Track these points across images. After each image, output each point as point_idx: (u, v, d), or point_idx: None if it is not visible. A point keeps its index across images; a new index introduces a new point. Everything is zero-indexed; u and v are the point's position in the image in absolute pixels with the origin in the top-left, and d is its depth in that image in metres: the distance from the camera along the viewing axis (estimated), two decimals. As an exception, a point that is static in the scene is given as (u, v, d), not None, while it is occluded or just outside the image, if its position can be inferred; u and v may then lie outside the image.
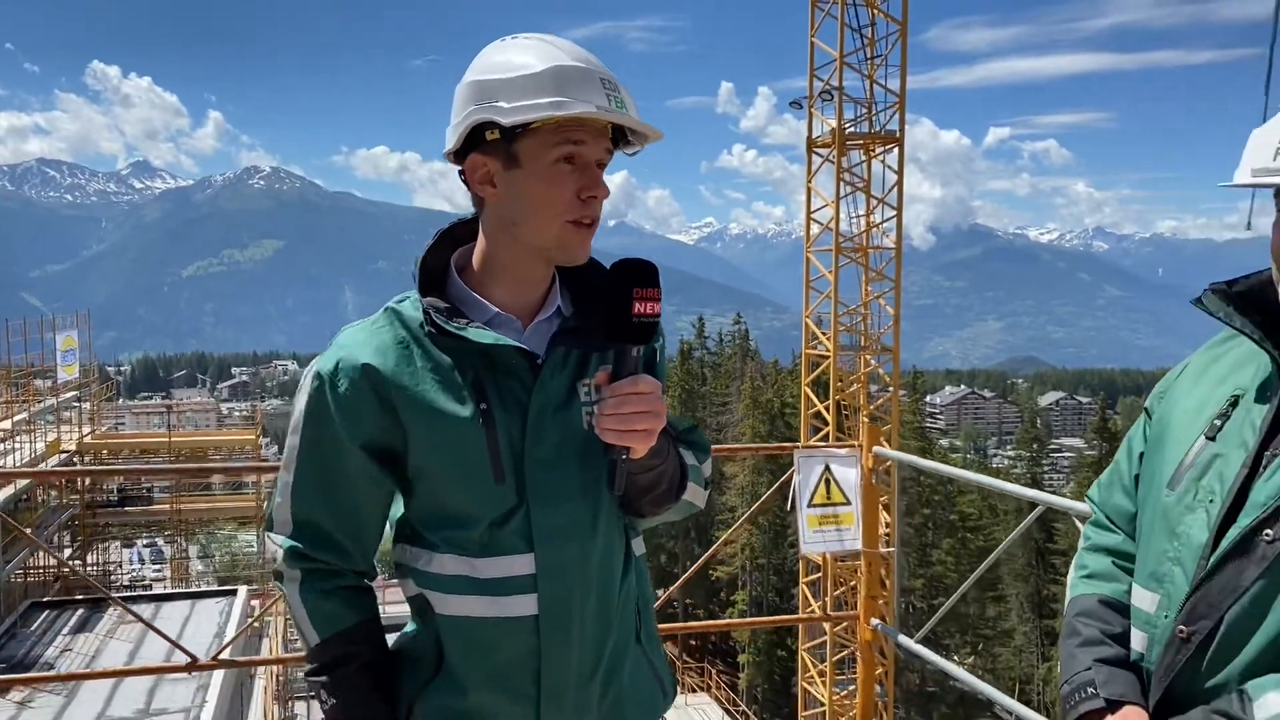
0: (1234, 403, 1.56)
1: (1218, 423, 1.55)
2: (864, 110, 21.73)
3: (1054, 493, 6.48)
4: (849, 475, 4.11)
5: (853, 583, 20.92)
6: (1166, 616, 1.52)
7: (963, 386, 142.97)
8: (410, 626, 1.67)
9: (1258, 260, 1.61)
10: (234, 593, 17.89)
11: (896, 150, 21.63)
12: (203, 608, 16.79)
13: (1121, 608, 1.64)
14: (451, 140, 1.54)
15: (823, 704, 19.87)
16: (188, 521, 25.91)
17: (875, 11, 20.87)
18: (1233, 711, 1.39)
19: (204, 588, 25.35)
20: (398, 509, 1.66)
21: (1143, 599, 1.58)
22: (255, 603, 20.78)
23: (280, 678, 19.74)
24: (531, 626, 1.53)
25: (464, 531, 1.52)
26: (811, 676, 20.32)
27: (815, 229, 21.61)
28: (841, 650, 20.11)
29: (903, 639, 4.19)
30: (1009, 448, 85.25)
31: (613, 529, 1.61)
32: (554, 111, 1.44)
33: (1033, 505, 3.49)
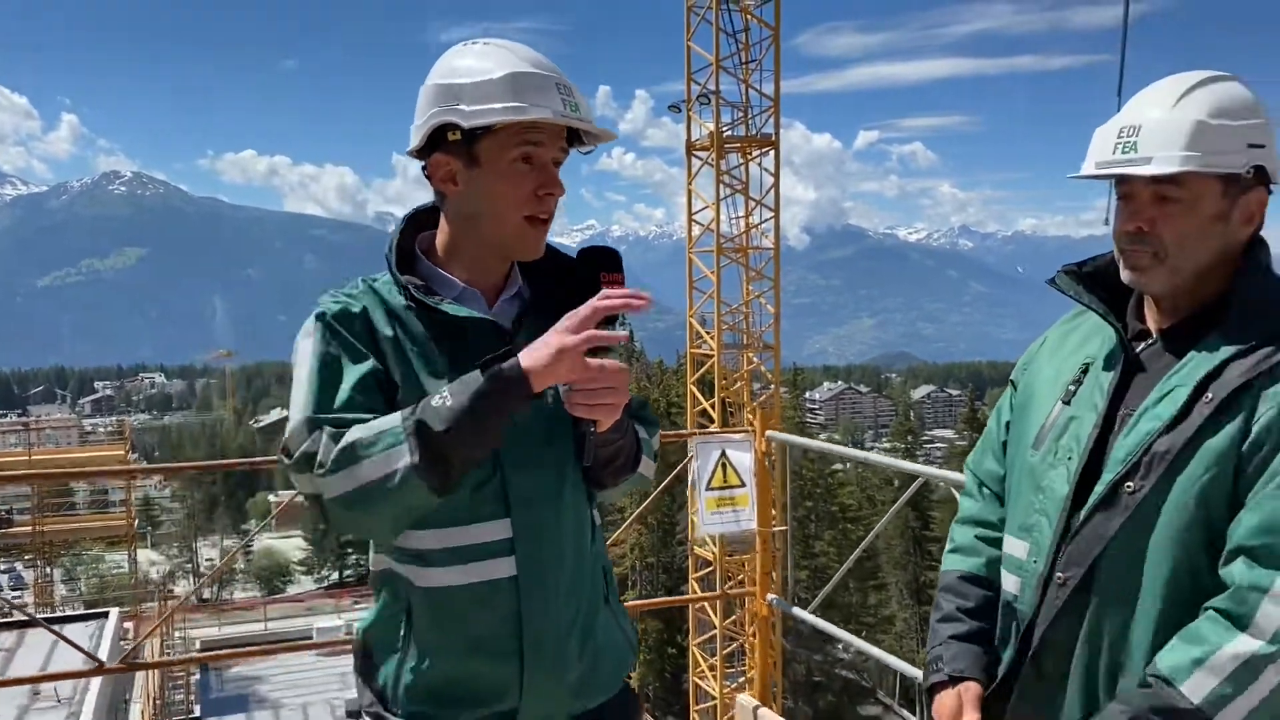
0: (1085, 370, 1.75)
1: (1072, 388, 1.74)
2: (740, 114, 22.18)
3: (911, 489, 6.83)
4: (744, 459, 4.34)
5: (740, 576, 21.33)
6: (1036, 562, 1.70)
7: (840, 382, 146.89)
8: (374, 609, 1.72)
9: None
10: (105, 615, 17.12)
11: (773, 153, 22.15)
12: (71, 632, 16.02)
13: (979, 580, 1.83)
14: (415, 139, 1.64)
15: (714, 697, 20.21)
16: (51, 543, 24.65)
17: (749, 17, 21.33)
18: (1162, 696, 1.48)
19: (70, 612, 24.15)
20: None
21: (1015, 547, 1.76)
22: (129, 625, 19.95)
23: (157, 701, 18.99)
24: (511, 588, 1.62)
25: (445, 500, 1.55)
26: (703, 671, 20.62)
27: (696, 230, 21.97)
28: (731, 643, 20.48)
29: (797, 610, 4.49)
30: (885, 440, 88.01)
31: (579, 496, 1.72)
32: (513, 115, 1.55)
33: (920, 486, 3.70)
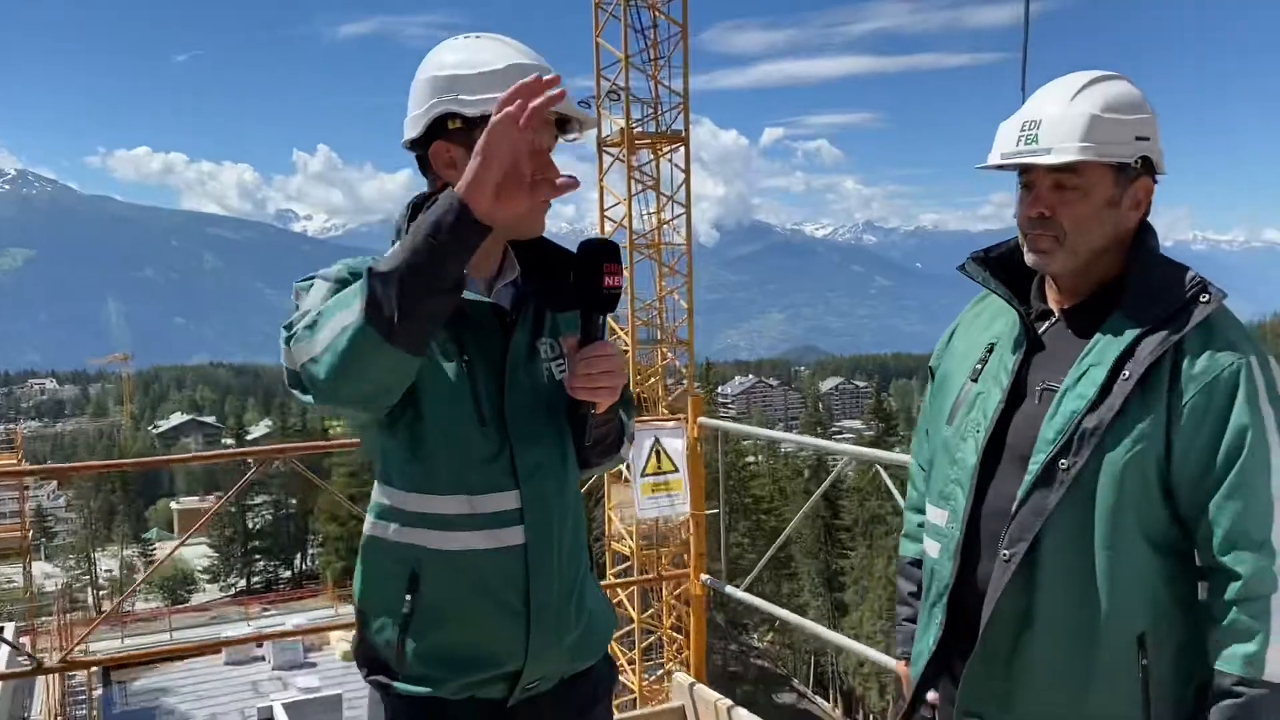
0: (990, 349, 1.89)
1: (978, 367, 1.89)
2: (650, 110, 22.31)
3: (835, 471, 7.15)
4: (676, 445, 4.50)
5: (659, 567, 21.47)
6: (953, 527, 1.84)
7: (751, 376, 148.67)
8: (365, 577, 1.80)
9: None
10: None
11: (683, 149, 22.35)
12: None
13: (920, 564, 2.00)
14: (414, 130, 1.72)
15: (633, 691, 20.34)
16: (-62, 558, 23.53)
17: (656, 13, 21.48)
18: (1260, 692, 1.61)
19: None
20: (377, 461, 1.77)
21: (936, 515, 1.91)
22: (25, 639, 19.18)
23: (59, 716, 18.30)
24: (520, 554, 1.73)
25: (461, 471, 1.69)
26: (620, 665, 20.74)
27: (609, 227, 22.06)
28: (649, 636, 20.63)
29: (730, 589, 4.67)
30: (795, 432, 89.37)
31: (574, 472, 1.85)
32: None
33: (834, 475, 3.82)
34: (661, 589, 20.70)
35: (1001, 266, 1.92)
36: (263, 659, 23.04)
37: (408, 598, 1.73)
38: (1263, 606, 1.62)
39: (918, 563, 2.02)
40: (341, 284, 1.62)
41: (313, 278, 1.70)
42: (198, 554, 55.69)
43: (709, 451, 4.73)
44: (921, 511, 2.02)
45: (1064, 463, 1.71)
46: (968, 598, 1.82)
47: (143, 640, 29.14)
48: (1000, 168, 1.82)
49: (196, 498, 66.97)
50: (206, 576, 55.72)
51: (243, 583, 55.24)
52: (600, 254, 1.74)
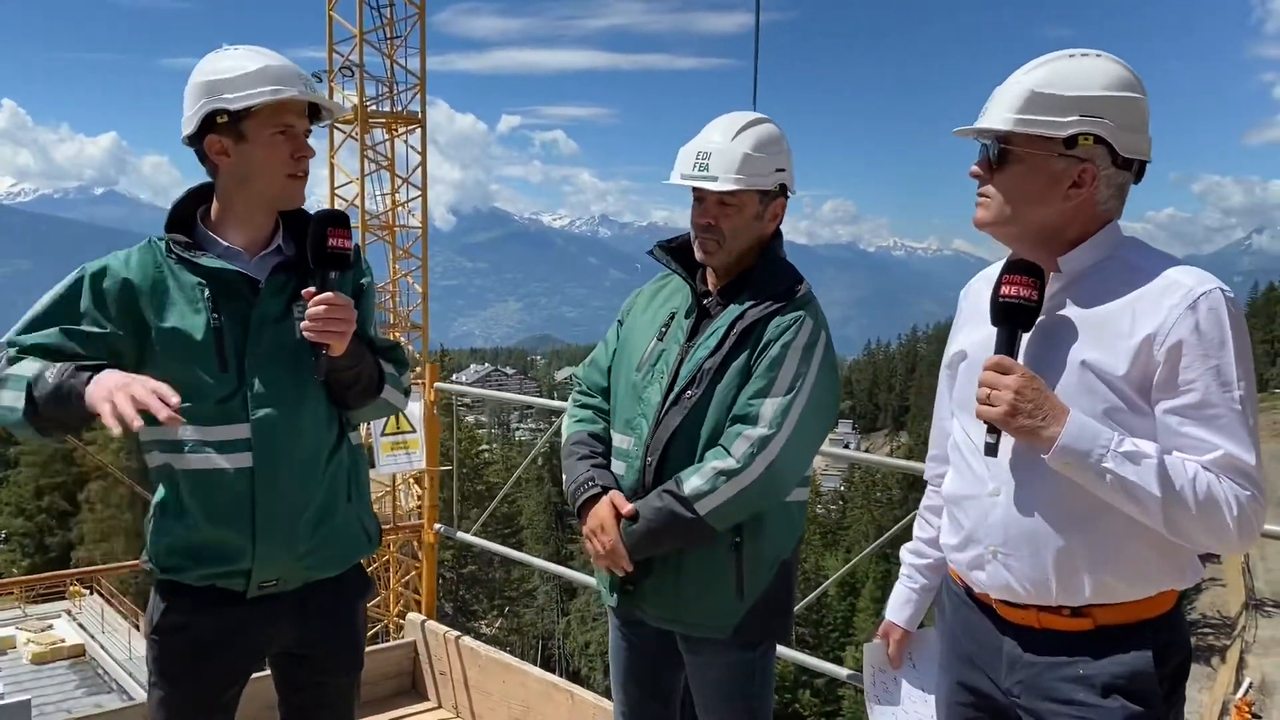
0: (672, 317, 2.48)
1: (663, 329, 2.48)
2: (385, 89, 21.89)
3: (555, 426, 7.56)
4: (414, 408, 4.83)
5: (384, 557, 21.23)
6: (637, 448, 2.40)
7: (487, 365, 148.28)
8: (156, 496, 2.16)
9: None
10: None
11: (419, 131, 22.09)
12: None
13: (600, 437, 2.52)
14: (189, 127, 2.09)
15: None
16: None
17: (394, -9, 21.06)
18: (671, 489, 2.29)
19: None
20: None
21: (622, 441, 2.45)
22: None
23: None
24: (249, 475, 2.09)
25: (197, 406, 2.03)
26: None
27: (340, 205, 21.43)
28: (374, 626, 20.34)
29: (460, 534, 4.96)
30: (529, 421, 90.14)
31: (319, 414, 2.17)
32: (269, 97, 2.03)
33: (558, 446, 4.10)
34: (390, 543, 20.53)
35: (679, 254, 2.51)
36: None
37: (168, 509, 2.13)
38: (718, 454, 2.28)
39: (596, 436, 2.51)
40: (81, 288, 2.05)
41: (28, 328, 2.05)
42: None
43: (443, 446, 5.00)
44: (592, 409, 2.56)
45: (689, 393, 2.34)
46: None
47: None
48: (681, 185, 2.39)
49: None
50: None
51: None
52: (326, 219, 2.12)
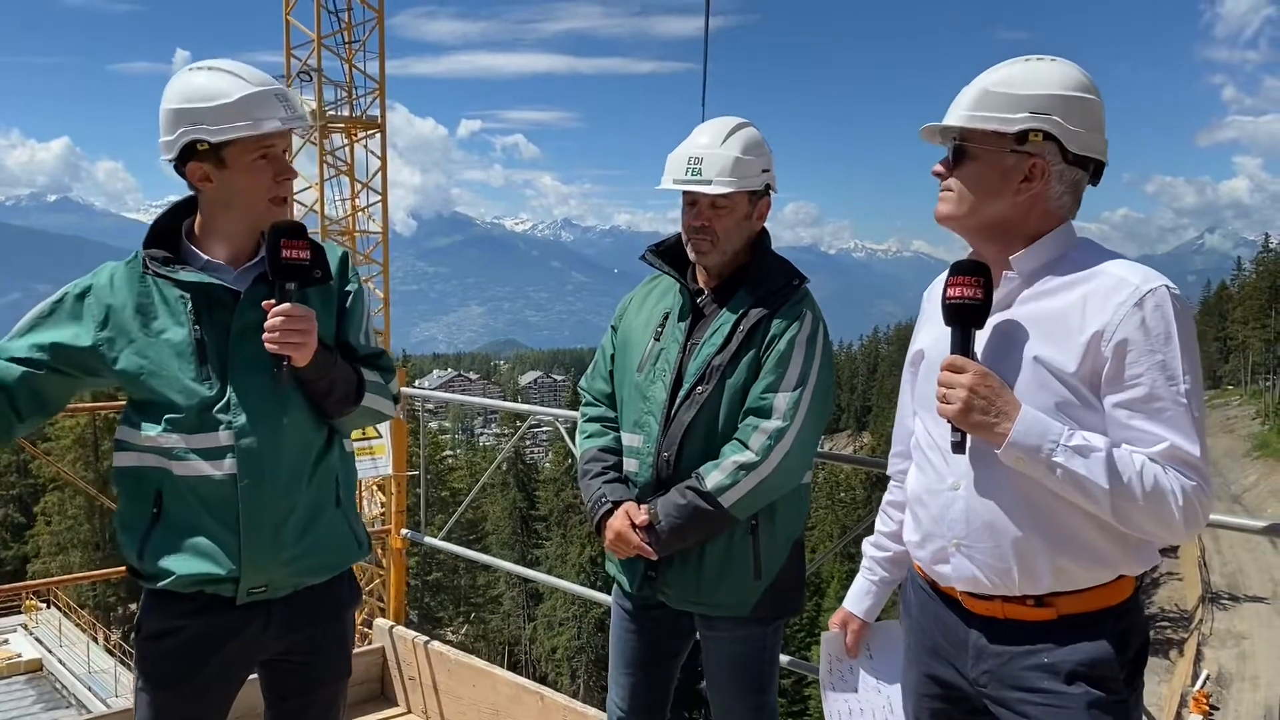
0: (666, 317, 2.59)
1: (659, 329, 2.58)
2: (344, 94, 21.74)
3: (533, 462, 7.56)
4: None
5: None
6: (648, 445, 2.51)
7: (450, 370, 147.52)
8: (121, 503, 2.17)
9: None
10: None
11: (379, 135, 21.96)
12: None
13: (611, 449, 2.61)
14: (169, 153, 2.10)
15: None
16: None
17: (351, -4, 20.93)
18: (695, 486, 2.40)
19: None
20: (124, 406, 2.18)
21: (632, 439, 2.56)
22: None
23: None
24: (232, 481, 2.09)
25: (180, 414, 2.07)
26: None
27: (299, 211, 21.21)
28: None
29: (430, 539, 4.97)
30: (494, 425, 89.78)
31: (303, 421, 2.18)
32: (250, 130, 2.04)
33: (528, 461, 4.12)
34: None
35: (669, 256, 2.62)
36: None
37: (152, 512, 2.12)
38: (736, 448, 2.41)
39: (607, 450, 2.61)
40: (64, 307, 2.10)
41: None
42: None
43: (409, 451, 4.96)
44: (601, 420, 2.66)
45: (699, 390, 2.45)
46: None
47: None
48: (674, 189, 2.49)
49: None
50: None
51: None
52: (281, 231, 2.10)
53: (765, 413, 2.39)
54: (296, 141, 21.28)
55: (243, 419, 2.10)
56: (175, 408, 2.07)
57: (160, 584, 2.11)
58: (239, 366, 2.11)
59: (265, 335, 2.05)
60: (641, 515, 2.44)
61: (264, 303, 2.08)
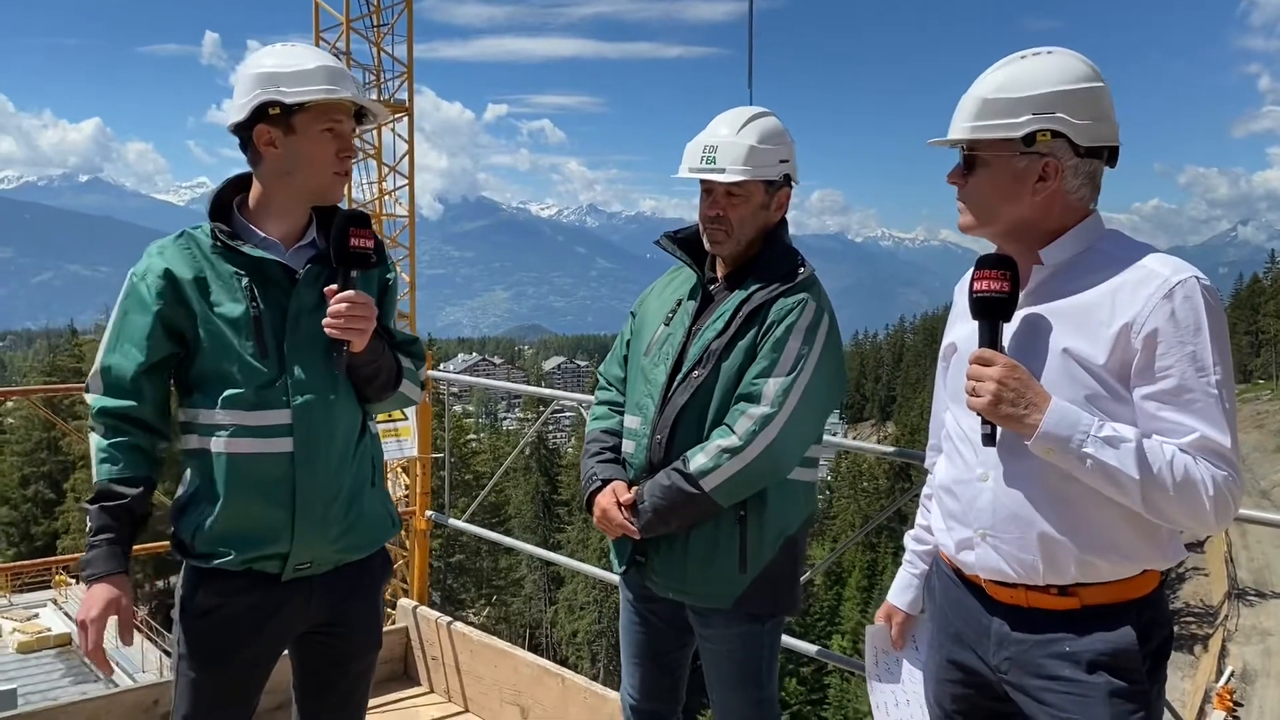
0: (679, 303, 2.59)
1: (670, 315, 2.59)
2: (373, 77, 21.80)
3: (556, 447, 7.59)
4: None
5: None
6: (645, 427, 2.51)
7: (475, 354, 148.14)
8: (189, 481, 2.20)
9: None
10: None
11: (406, 119, 22.01)
12: None
13: (614, 431, 2.65)
14: (239, 115, 2.15)
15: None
16: None
17: (381, -21, 20.95)
18: (678, 467, 2.40)
19: None
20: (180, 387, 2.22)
21: (632, 421, 2.58)
22: None
23: None
24: (289, 460, 2.14)
25: (238, 391, 2.11)
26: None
27: (326, 194, 21.30)
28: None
29: (453, 520, 4.97)
30: (517, 410, 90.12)
31: (349, 402, 2.25)
32: (325, 95, 2.12)
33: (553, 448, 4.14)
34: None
35: (685, 244, 2.62)
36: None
37: (202, 493, 2.17)
38: (723, 433, 2.38)
39: (610, 431, 2.65)
40: (134, 292, 2.14)
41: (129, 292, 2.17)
42: None
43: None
44: (610, 404, 2.69)
45: (695, 373, 2.44)
46: None
47: None
48: (690, 177, 2.50)
49: None
50: None
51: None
52: (349, 219, 2.18)
53: (755, 398, 2.37)
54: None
55: (302, 397, 2.14)
56: (234, 383, 2.11)
57: (215, 563, 2.15)
58: (296, 345, 2.16)
59: (328, 320, 2.10)
60: (627, 494, 2.46)
61: (326, 288, 2.14)
